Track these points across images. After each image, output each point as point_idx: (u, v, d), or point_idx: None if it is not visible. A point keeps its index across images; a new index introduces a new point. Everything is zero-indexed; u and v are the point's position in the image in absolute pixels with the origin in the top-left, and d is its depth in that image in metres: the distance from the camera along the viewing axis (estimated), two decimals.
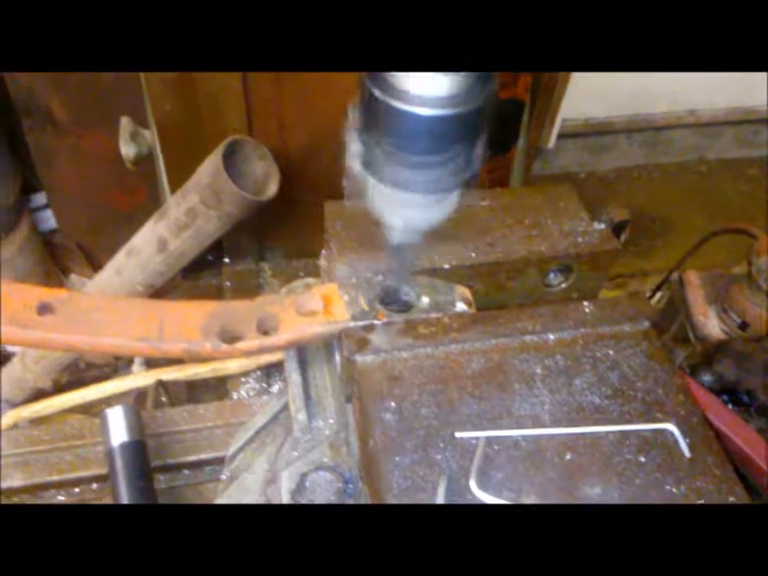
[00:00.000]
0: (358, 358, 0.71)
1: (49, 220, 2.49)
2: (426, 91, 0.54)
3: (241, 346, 0.72)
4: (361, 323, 0.74)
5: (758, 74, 2.82)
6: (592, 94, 2.84)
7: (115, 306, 0.72)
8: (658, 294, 2.08)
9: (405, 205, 0.63)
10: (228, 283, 1.56)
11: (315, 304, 0.76)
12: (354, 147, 0.60)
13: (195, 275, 1.62)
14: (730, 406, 1.10)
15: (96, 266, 2.44)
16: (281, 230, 1.55)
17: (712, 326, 1.82)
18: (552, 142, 2.84)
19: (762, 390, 1.05)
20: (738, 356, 1.08)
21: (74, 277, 2.51)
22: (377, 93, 0.54)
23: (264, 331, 0.74)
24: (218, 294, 1.60)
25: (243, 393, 1.36)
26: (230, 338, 0.72)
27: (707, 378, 1.07)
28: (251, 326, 0.74)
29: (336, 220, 0.83)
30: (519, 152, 2.21)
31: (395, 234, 0.67)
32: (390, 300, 0.77)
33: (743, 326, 1.72)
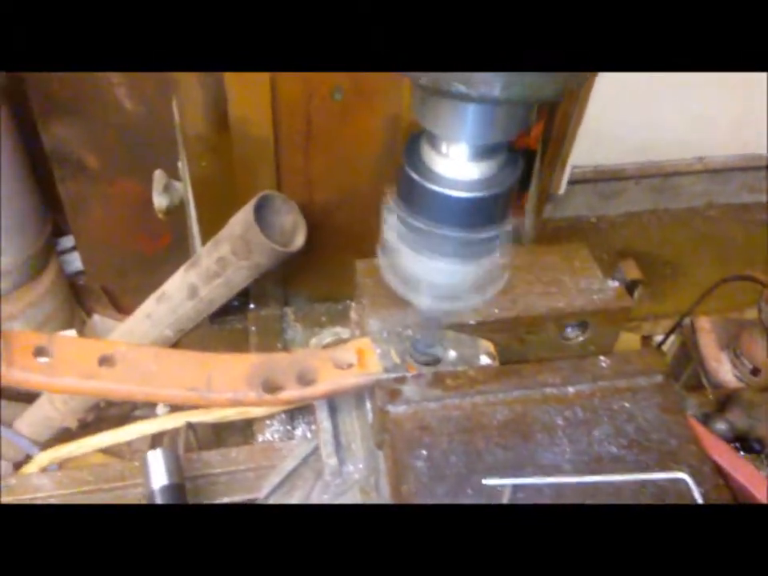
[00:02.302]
0: (391, 408, 0.76)
1: (75, 262, 2.57)
2: (460, 175, 0.60)
3: (283, 396, 0.78)
4: (393, 375, 0.79)
5: (766, 120, 2.91)
6: (602, 142, 2.92)
7: (168, 357, 0.78)
8: (671, 339, 2.12)
9: (435, 273, 0.69)
10: (253, 328, 1.62)
11: (350, 357, 0.81)
12: (391, 221, 0.66)
13: (222, 319, 1.68)
14: (741, 454, 1.14)
15: (119, 307, 2.51)
16: (304, 276, 1.62)
17: (725, 371, 1.85)
18: (563, 188, 2.92)
19: None
20: (748, 405, 1.12)
21: (96, 317, 2.57)
22: (414, 176, 0.60)
23: (304, 382, 0.80)
24: (243, 337, 1.65)
25: (268, 435, 1.40)
26: (273, 388, 0.78)
27: (720, 426, 1.11)
28: (292, 377, 0.79)
29: (367, 277, 0.89)
30: (531, 198, 2.28)
31: (424, 299, 0.72)
32: (419, 353, 0.83)
33: (755, 371, 1.75)
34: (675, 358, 2.08)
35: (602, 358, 0.81)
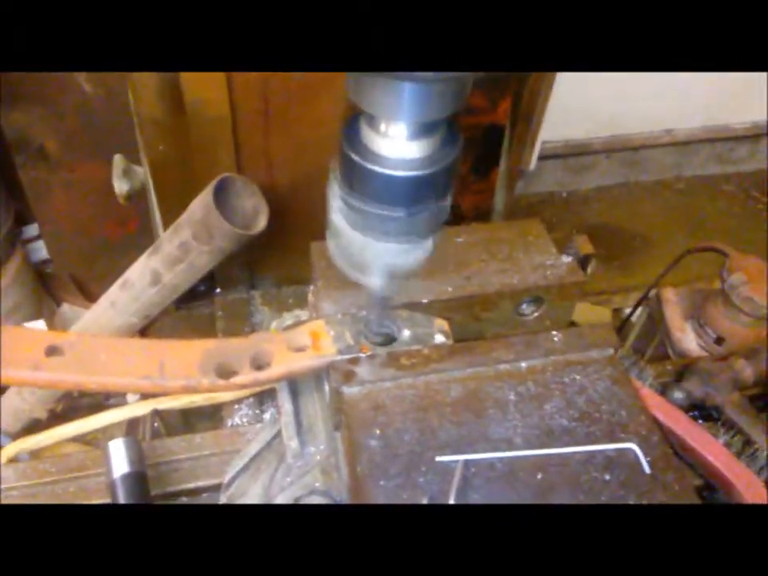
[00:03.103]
0: (345, 389, 0.77)
1: (41, 250, 2.53)
2: (400, 154, 0.60)
3: (236, 380, 0.78)
4: (347, 357, 0.80)
5: (731, 92, 2.94)
6: (571, 117, 2.93)
7: (119, 346, 0.77)
8: (639, 311, 2.15)
9: (383, 253, 0.69)
10: (220, 312, 1.61)
11: (304, 339, 0.81)
12: (336, 203, 0.66)
13: (188, 305, 1.67)
14: (700, 422, 1.17)
15: (88, 294, 2.48)
16: (270, 260, 1.61)
17: (689, 341, 1.88)
18: (533, 164, 2.92)
19: (728, 406, 1.12)
20: (705, 374, 1.14)
21: (65, 306, 2.54)
22: (354, 157, 0.60)
23: (258, 366, 0.80)
24: (210, 322, 1.65)
25: (237, 419, 1.41)
26: (226, 373, 0.78)
27: (678, 395, 1.13)
28: (246, 361, 0.79)
29: (322, 259, 0.89)
30: (501, 175, 2.29)
31: (375, 279, 0.72)
32: (374, 334, 0.83)
33: (719, 340, 1.79)
34: (643, 330, 2.11)
35: (554, 333, 0.82)
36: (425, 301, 0.86)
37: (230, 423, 1.40)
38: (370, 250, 0.68)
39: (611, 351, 0.82)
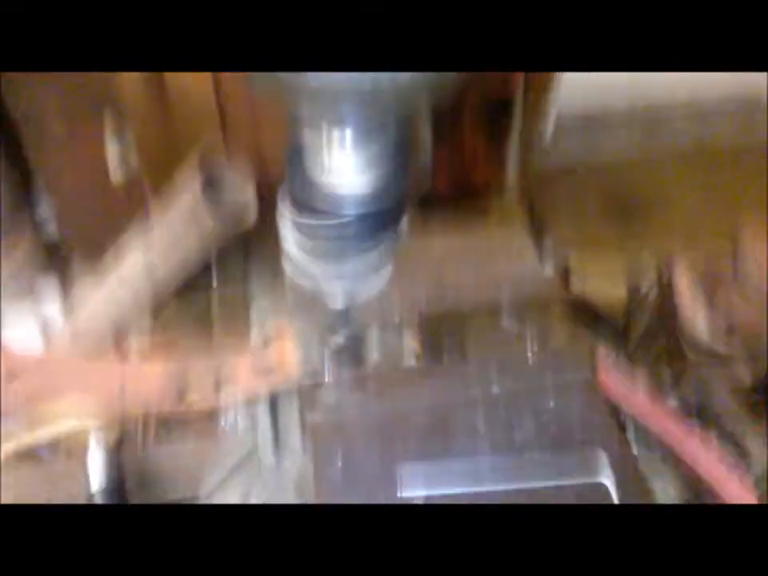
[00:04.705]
0: (308, 415, 0.75)
1: (51, 232, 2.54)
2: (349, 191, 0.57)
3: (197, 405, 0.76)
4: (312, 381, 0.77)
5: None
6: (587, 86, 2.83)
7: (79, 369, 0.76)
8: (651, 295, 2.09)
9: (342, 277, 0.66)
10: (217, 305, 1.60)
11: (270, 362, 0.79)
12: (290, 234, 0.63)
13: (186, 298, 1.66)
14: (697, 428, 1.13)
15: (99, 275, 2.49)
16: (266, 252, 1.59)
17: (700, 329, 1.83)
18: (548, 137, 2.84)
19: (724, 415, 1.07)
20: (701, 380, 1.10)
21: (78, 287, 2.56)
22: (302, 195, 0.57)
23: (220, 389, 0.78)
24: (207, 315, 1.64)
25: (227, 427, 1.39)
26: (187, 398, 0.76)
27: (672, 402, 1.09)
28: (208, 384, 0.78)
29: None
30: (514, 149, 2.22)
31: (336, 301, 0.70)
32: (342, 355, 0.80)
33: (730, 330, 1.73)
34: (654, 315, 2.06)
35: (529, 354, 0.79)
36: (396, 319, 0.83)
37: (221, 425, 1.39)
38: (327, 274, 0.66)
39: (588, 374, 0.78)
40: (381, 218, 0.59)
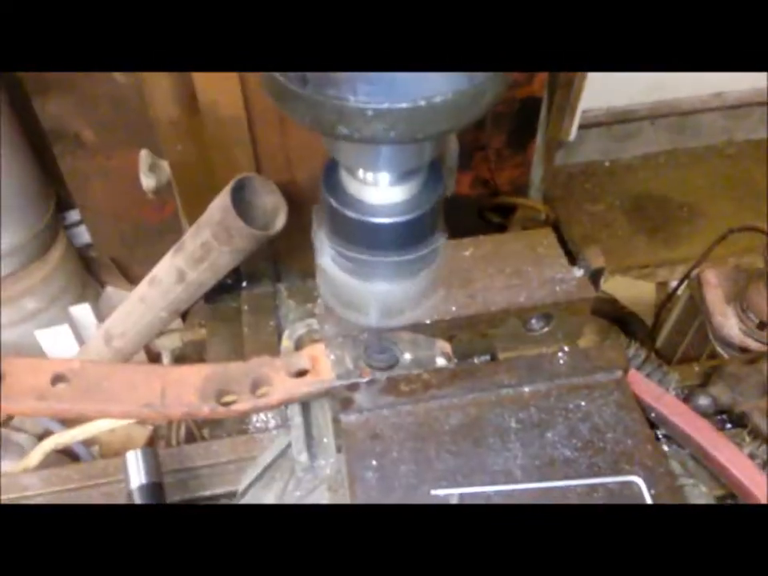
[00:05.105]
0: (342, 417, 0.76)
1: (83, 235, 2.60)
2: (381, 200, 0.58)
3: (236, 408, 0.78)
4: (346, 382, 0.79)
5: None
6: (613, 83, 2.81)
7: (121, 373, 0.79)
8: (683, 287, 2.07)
9: (374, 293, 0.67)
10: (246, 306, 1.63)
11: (304, 364, 0.81)
12: (324, 248, 0.65)
13: (216, 298, 1.69)
14: (729, 426, 1.12)
15: (130, 277, 2.55)
16: (295, 253, 1.61)
17: (731, 326, 1.81)
18: (573, 134, 2.82)
19: (755, 413, 1.07)
20: (732, 378, 1.10)
21: (110, 289, 2.61)
22: (334, 204, 0.59)
23: (257, 391, 0.80)
24: (237, 315, 1.66)
25: (262, 417, 1.42)
26: (226, 400, 0.78)
27: (703, 401, 1.09)
28: (245, 386, 0.80)
29: None
30: (539, 148, 2.22)
31: (368, 318, 0.71)
32: (374, 357, 0.82)
33: (762, 326, 1.71)
34: (684, 311, 2.04)
35: (560, 354, 0.80)
36: (428, 321, 0.84)
37: (254, 420, 1.42)
38: (360, 291, 0.67)
39: (619, 373, 0.79)
40: (415, 228, 0.61)
